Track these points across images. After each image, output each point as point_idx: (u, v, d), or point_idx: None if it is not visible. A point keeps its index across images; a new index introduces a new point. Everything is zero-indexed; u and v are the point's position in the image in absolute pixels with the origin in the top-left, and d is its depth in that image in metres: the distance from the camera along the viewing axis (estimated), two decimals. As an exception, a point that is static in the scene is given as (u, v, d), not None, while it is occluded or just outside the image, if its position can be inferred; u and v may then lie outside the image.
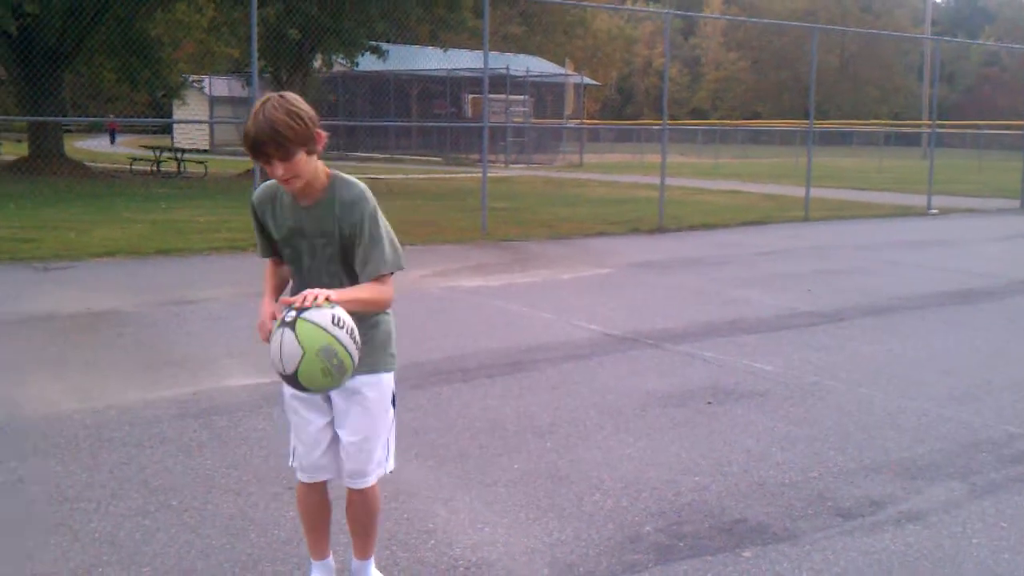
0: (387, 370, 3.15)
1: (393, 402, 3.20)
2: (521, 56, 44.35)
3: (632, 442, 5.04)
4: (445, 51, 31.45)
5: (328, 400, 3.11)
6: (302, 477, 3.24)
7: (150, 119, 40.90)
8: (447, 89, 39.18)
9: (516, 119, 36.26)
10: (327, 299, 2.71)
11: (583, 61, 57.51)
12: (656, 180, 17.25)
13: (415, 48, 37.17)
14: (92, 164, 26.46)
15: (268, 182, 3.02)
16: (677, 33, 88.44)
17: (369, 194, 2.97)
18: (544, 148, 39.28)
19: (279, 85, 26.08)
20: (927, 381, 6.39)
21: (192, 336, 7.20)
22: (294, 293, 2.97)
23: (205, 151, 35.84)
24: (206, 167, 25.67)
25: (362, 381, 3.06)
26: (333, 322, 2.69)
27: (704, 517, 4.07)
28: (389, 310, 3.14)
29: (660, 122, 16.25)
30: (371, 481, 3.19)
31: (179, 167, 25.49)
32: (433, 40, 32.09)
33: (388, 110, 39.19)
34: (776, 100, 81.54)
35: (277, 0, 21.23)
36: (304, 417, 3.14)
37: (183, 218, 14.66)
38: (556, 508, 4.15)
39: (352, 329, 2.73)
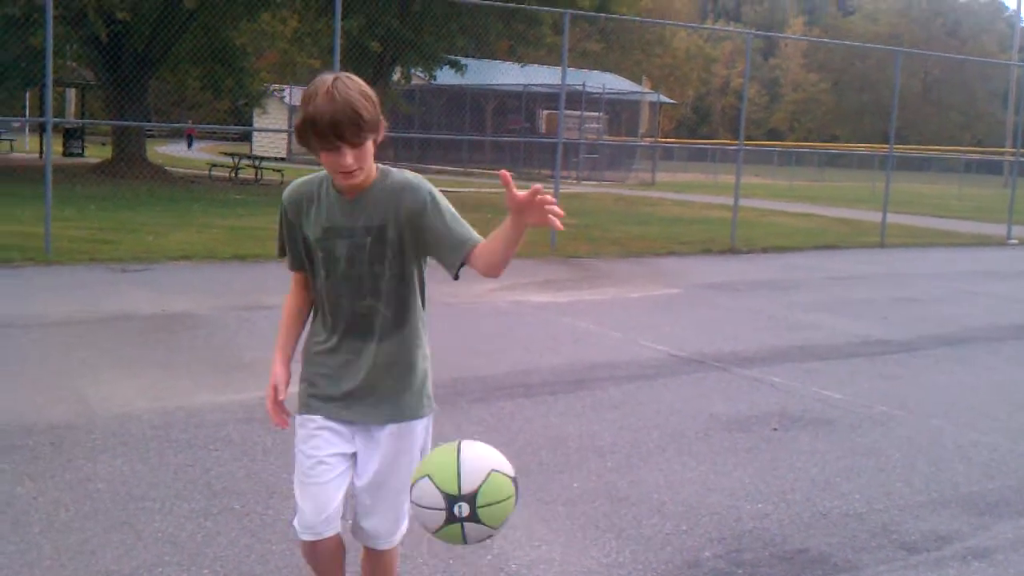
0: (424, 415, 2.78)
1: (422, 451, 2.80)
2: (597, 73, 44.35)
3: (694, 466, 4.98)
4: (522, 66, 31.61)
5: (349, 441, 2.75)
6: (311, 536, 2.77)
7: (230, 126, 41.69)
8: (522, 104, 39.35)
9: (590, 135, 36.27)
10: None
11: (660, 79, 57.34)
12: (729, 201, 17.09)
13: (492, 63, 37.42)
14: (172, 169, 27.06)
15: (301, 179, 2.70)
16: (757, 53, 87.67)
17: (422, 181, 2.69)
18: (616, 165, 39.21)
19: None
20: (1000, 415, 6.22)
21: (262, 341, 7.30)
22: (327, 312, 2.69)
23: (282, 159, 36.45)
24: (282, 175, 26.08)
25: (394, 430, 2.72)
26: (506, 477, 2.38)
27: (764, 545, 4.01)
28: (427, 348, 2.80)
29: (736, 142, 16.11)
30: (397, 540, 2.88)
31: (257, 174, 25.94)
32: (511, 55, 32.29)
33: (463, 124, 39.47)
34: (856, 123, 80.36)
35: (360, 12, 21.54)
36: (327, 466, 2.71)
37: (259, 224, 14.90)
38: (614, 529, 4.12)
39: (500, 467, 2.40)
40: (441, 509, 2.32)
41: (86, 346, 6.96)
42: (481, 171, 37.81)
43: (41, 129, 31.72)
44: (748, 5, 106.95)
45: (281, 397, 2.74)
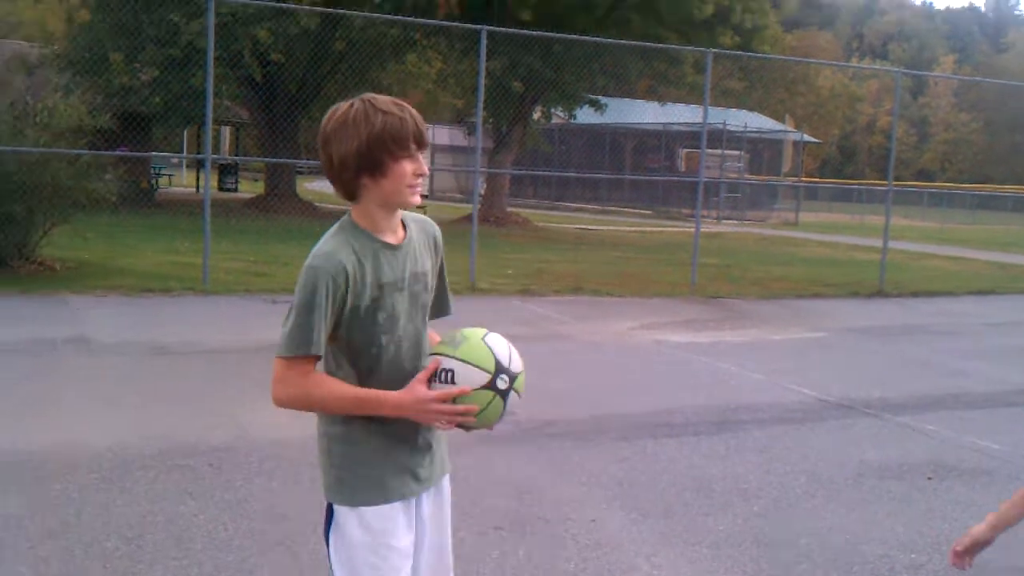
0: None
1: None
2: (738, 111, 43.92)
3: (844, 513, 4.85)
4: (663, 105, 31.55)
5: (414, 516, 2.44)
6: None
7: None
8: (662, 142, 39.23)
9: (731, 174, 35.88)
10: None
11: (804, 118, 56.36)
12: (876, 242, 16.64)
13: (632, 101, 37.46)
14: (320, 205, 27.93)
15: (327, 245, 2.29)
16: (905, 92, 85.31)
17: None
18: (758, 205, 38.63)
19: (499, 135, 26.87)
20: None
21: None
22: (383, 387, 2.30)
23: (424, 196, 37.20)
24: (425, 212, 26.61)
25: (446, 481, 2.55)
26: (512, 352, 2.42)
27: (921, 598, 3.87)
28: None
29: (884, 183, 15.70)
30: None
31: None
32: (651, 94, 32.28)
33: (602, 162, 39.59)
34: (1009, 164, 77.12)
35: (503, 54, 21.93)
36: (404, 552, 2.37)
37: (402, 259, 15.24)
38: (761, 574, 4.04)
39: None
40: (484, 387, 2.29)
41: (240, 373, 7.24)
42: (619, 209, 37.79)
43: (198, 165, 33.29)
44: (895, 43, 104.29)
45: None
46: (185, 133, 36.10)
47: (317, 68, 23.67)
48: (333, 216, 14.90)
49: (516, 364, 2.37)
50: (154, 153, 26.70)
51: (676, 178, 34.08)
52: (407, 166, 2.26)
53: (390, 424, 2.32)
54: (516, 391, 2.35)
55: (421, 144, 2.29)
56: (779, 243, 25.37)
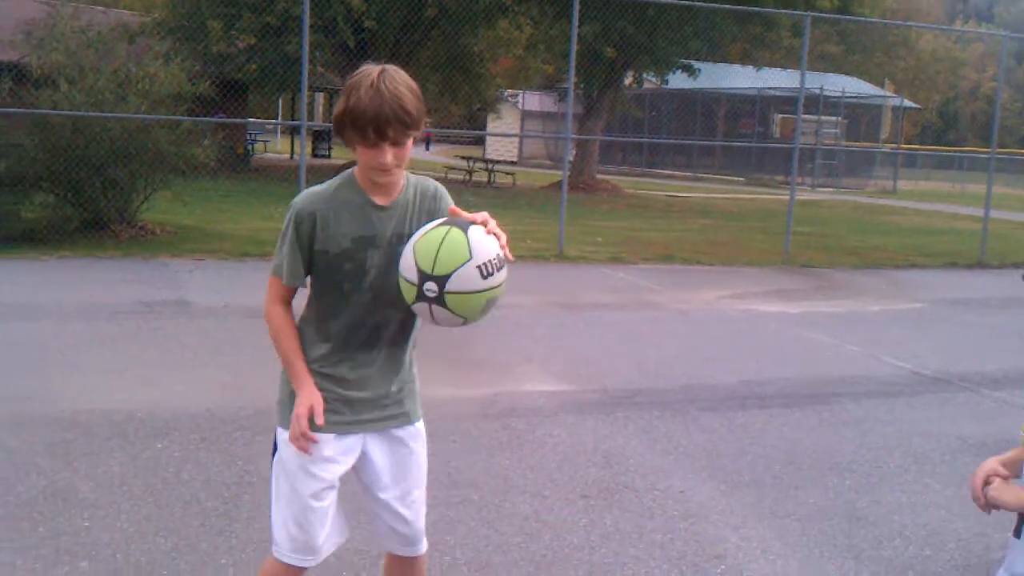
0: (421, 417, 2.71)
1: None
2: (836, 75, 42.81)
3: (939, 489, 4.75)
4: (758, 70, 30.95)
5: (354, 457, 2.59)
6: (309, 562, 2.59)
7: (464, 130, 43.02)
8: (755, 108, 38.50)
9: (827, 141, 35.07)
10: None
11: (903, 83, 54.72)
12: (978, 212, 16.14)
13: (726, 66, 36.81)
14: (408, 171, 28.16)
15: (314, 190, 2.48)
16: (1010, 56, 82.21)
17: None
18: (855, 172, 37.69)
19: (590, 101, 26.69)
20: None
21: (495, 340, 7.50)
22: (340, 327, 2.49)
23: (513, 163, 37.21)
24: (514, 178, 26.65)
25: (411, 431, 2.64)
26: (483, 276, 2.29)
27: (1019, 579, 3.78)
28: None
29: (986, 150, 15.19)
30: (426, 543, 2.78)
31: (489, 177, 26.62)
32: (745, 58, 31.67)
33: (693, 128, 39.04)
34: (1124, 130, 73.85)
35: (595, 19, 21.72)
36: (334, 490, 2.57)
37: (491, 226, 15.30)
38: (853, 549, 4.00)
39: (500, 260, 2.32)
40: (413, 284, 2.31)
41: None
42: (710, 176, 37.29)
43: (292, 131, 33.80)
44: (1001, 6, 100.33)
45: (320, 421, 2.45)
46: (280, 100, 36.67)
47: (409, 34, 23.75)
48: (424, 183, 14.64)
49: (454, 278, 2.27)
50: (250, 120, 27.19)
51: (770, 144, 33.45)
52: (363, 152, 2.34)
53: (336, 365, 2.52)
54: (449, 308, 2.30)
55: (381, 136, 2.30)
56: (876, 212, 24.77)
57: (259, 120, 34.03)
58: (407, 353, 2.62)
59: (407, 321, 2.55)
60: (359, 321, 2.49)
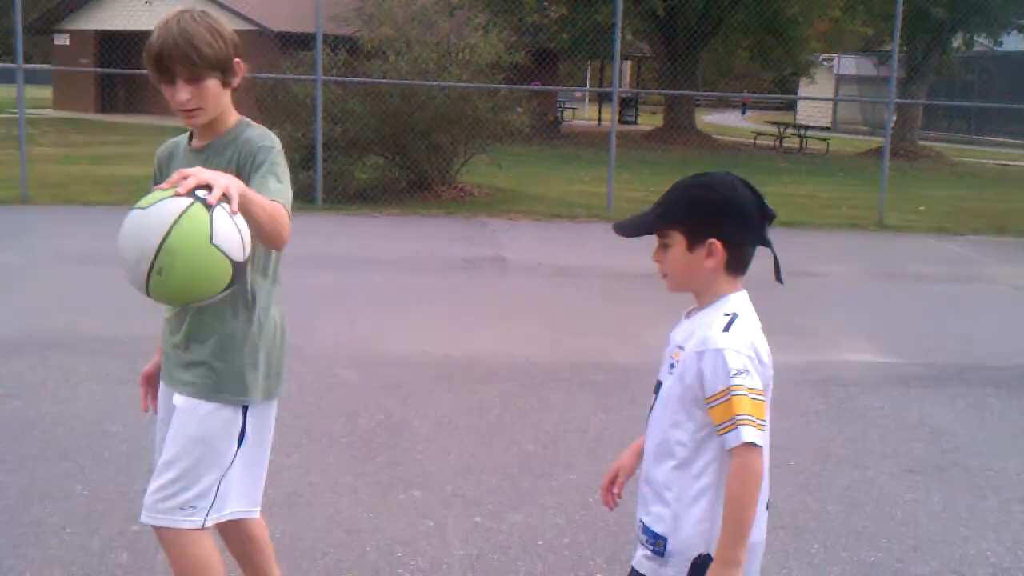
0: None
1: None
2: None
3: None
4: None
5: None
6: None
7: (775, 95, 41.78)
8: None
9: None
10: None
11: None
12: None
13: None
14: (718, 137, 27.73)
15: (176, 138, 2.45)
16: None
17: (279, 145, 2.34)
18: None
19: (912, 65, 25.12)
20: None
21: (811, 308, 7.27)
22: None
23: (826, 128, 35.72)
24: (828, 144, 25.60)
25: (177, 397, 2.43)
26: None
27: None
28: (258, 320, 2.38)
29: None
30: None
31: (801, 143, 25.73)
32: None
33: (1030, 92, 35.77)
34: None
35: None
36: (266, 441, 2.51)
37: (804, 193, 14.81)
38: None
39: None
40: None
41: (644, 298, 7.41)
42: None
43: (600, 98, 34.23)
44: None
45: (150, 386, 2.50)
46: (588, 68, 37.19)
47: (719, 1, 23.32)
48: (730, 148, 14.94)
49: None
50: (562, 88, 27.73)
51: None
52: (164, 89, 2.26)
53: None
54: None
55: (162, 72, 2.22)
56: None
57: (570, 88, 34.66)
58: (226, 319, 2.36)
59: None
60: None
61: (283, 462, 3.91)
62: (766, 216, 2.02)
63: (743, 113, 47.49)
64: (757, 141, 26.32)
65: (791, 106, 44.20)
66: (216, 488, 2.35)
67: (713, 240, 1.97)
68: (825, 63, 38.42)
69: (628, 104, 33.29)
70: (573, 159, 18.39)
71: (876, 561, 3.41)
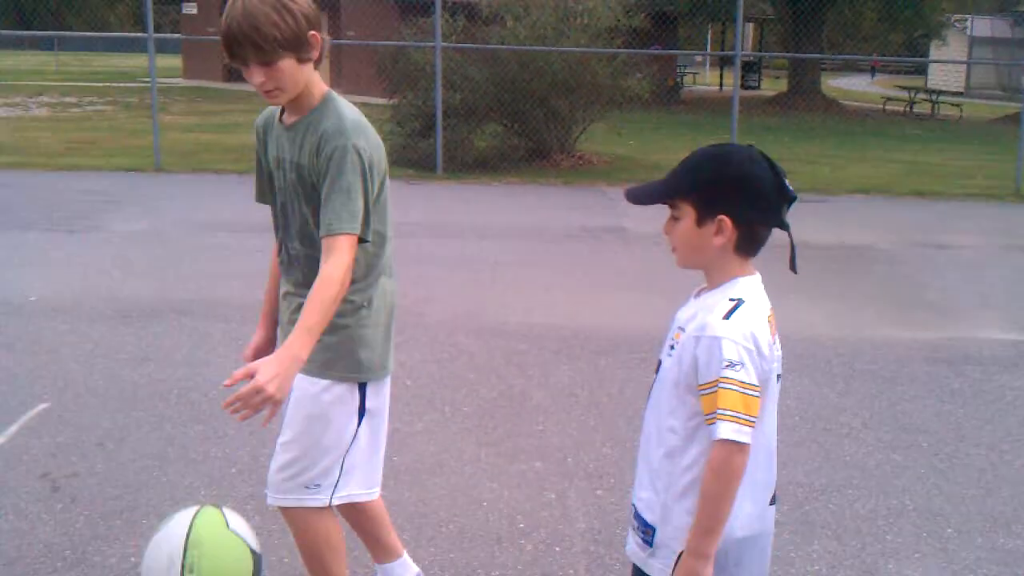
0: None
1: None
2: None
3: None
4: None
5: None
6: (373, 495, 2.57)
7: (905, 58, 40.22)
8: None
9: None
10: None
11: None
12: None
13: None
14: (844, 102, 26.91)
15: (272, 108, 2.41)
16: None
17: (358, 132, 2.22)
18: None
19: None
20: None
21: (945, 281, 7.01)
22: (280, 253, 2.43)
23: (959, 93, 34.33)
24: (961, 110, 24.59)
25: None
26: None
27: None
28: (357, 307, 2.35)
29: None
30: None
31: (933, 108, 24.78)
32: None
33: None
34: None
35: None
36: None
37: (936, 161, 14.27)
38: None
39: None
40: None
41: (763, 269, 7.24)
42: None
43: (720, 63, 33.53)
44: None
45: (246, 372, 2.24)
46: (709, 31, 36.46)
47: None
48: (858, 113, 14.46)
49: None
50: (682, 52, 27.27)
51: None
52: (245, 73, 2.21)
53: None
54: None
55: (233, 57, 2.17)
56: None
57: (690, 52, 34.03)
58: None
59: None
60: (283, 248, 2.43)
61: (408, 430, 3.97)
62: (785, 197, 1.90)
63: (872, 77, 45.96)
64: (886, 107, 25.45)
65: (922, 70, 42.59)
66: (340, 465, 2.38)
67: (723, 216, 1.86)
68: (957, 24, 36.83)
69: (751, 68, 32.52)
70: (694, 126, 18.08)
71: (1013, 548, 3.28)
